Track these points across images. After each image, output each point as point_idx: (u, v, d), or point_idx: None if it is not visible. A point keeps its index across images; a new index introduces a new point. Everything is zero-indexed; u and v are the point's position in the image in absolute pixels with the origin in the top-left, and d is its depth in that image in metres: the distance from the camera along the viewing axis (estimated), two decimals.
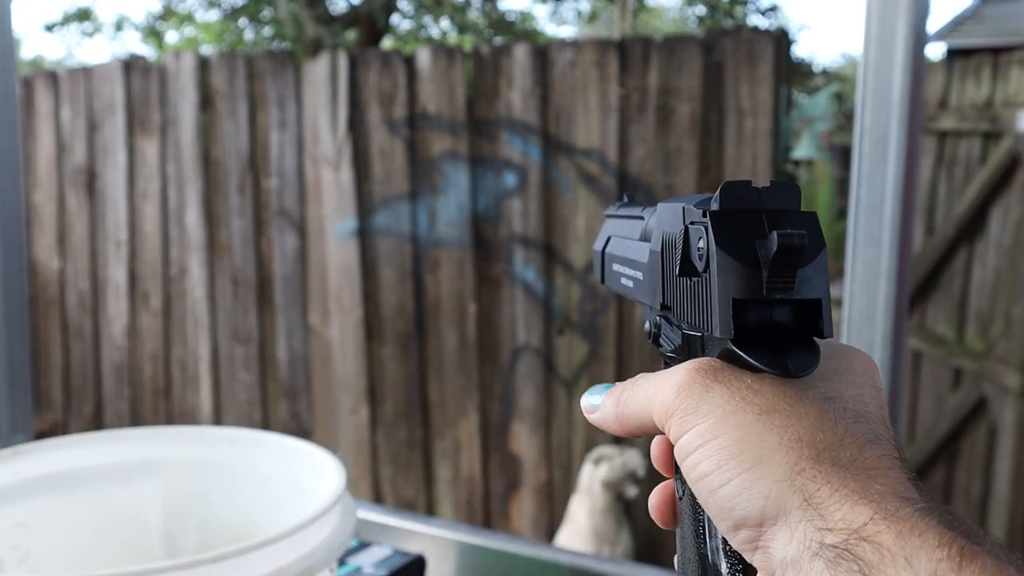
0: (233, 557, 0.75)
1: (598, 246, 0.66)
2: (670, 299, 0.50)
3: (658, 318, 0.52)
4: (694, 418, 0.42)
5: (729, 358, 0.44)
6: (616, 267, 0.62)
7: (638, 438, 0.51)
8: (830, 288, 0.45)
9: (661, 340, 0.52)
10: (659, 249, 0.52)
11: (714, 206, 0.44)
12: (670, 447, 0.45)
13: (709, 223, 0.44)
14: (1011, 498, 3.38)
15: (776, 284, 0.43)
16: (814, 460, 0.40)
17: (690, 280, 0.47)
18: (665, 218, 0.51)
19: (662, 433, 0.46)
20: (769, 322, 0.43)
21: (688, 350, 0.48)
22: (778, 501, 0.39)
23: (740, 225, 0.44)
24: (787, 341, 0.43)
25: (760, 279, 0.43)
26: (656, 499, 0.49)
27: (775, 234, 0.42)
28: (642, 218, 0.57)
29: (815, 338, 0.44)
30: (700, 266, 0.45)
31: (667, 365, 0.52)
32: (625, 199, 0.66)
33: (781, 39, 3.30)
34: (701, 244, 0.45)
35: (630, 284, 0.58)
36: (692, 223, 0.46)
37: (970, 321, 3.82)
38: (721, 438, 0.41)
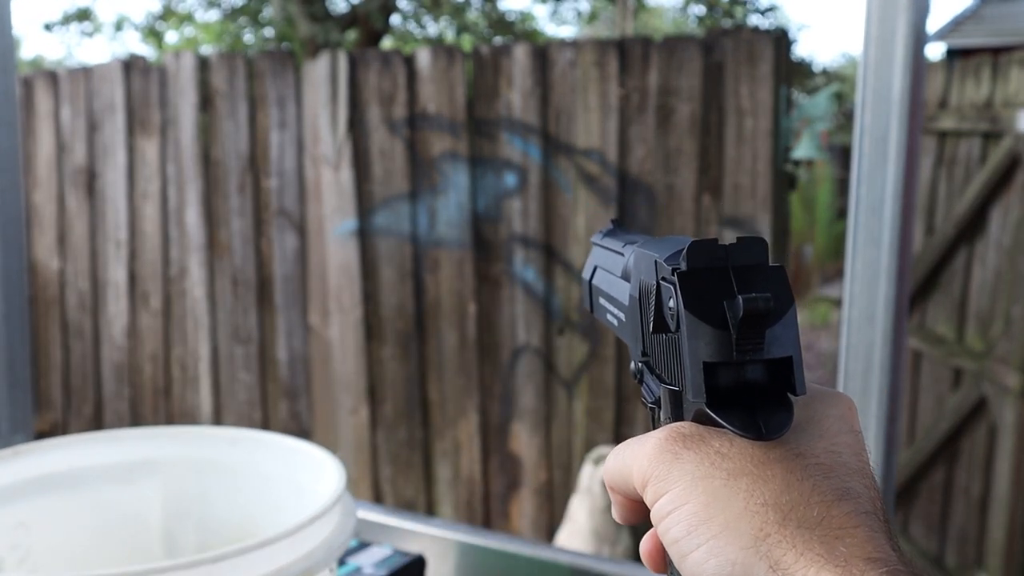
0: (233, 557, 0.75)
1: (586, 275, 0.66)
2: (648, 348, 0.51)
3: (640, 363, 0.52)
4: (665, 485, 0.44)
5: (703, 419, 0.45)
6: (603, 301, 0.62)
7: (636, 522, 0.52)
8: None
9: (643, 389, 0.53)
10: (637, 296, 0.52)
11: (682, 265, 0.45)
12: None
13: (677, 284, 0.44)
14: (1011, 498, 3.38)
15: (746, 346, 0.43)
16: (779, 524, 0.40)
17: (665, 337, 0.47)
18: (641, 265, 0.51)
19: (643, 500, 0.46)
20: (741, 383, 0.44)
21: (668, 405, 0.48)
22: (745, 568, 0.40)
23: (708, 285, 0.44)
24: (760, 401, 0.44)
25: (730, 340, 0.43)
26: (647, 546, 0.50)
27: (740, 299, 0.42)
28: (622, 255, 0.57)
29: (790, 394, 0.44)
30: (672, 325, 0.46)
31: (651, 414, 0.53)
32: (611, 225, 0.66)
33: (781, 39, 3.30)
34: (671, 304, 0.45)
35: (615, 322, 0.59)
36: (663, 279, 0.47)
37: (970, 321, 3.82)
38: (690, 504, 0.42)
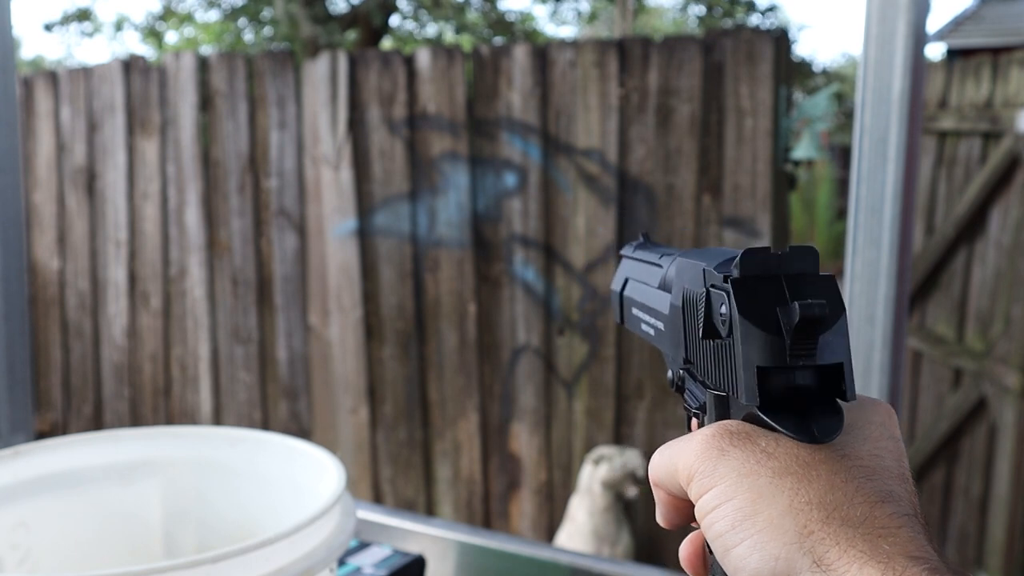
0: (233, 557, 0.75)
1: (616, 287, 0.67)
2: (692, 355, 0.51)
3: (681, 371, 0.53)
4: (711, 480, 0.44)
5: (754, 420, 0.46)
6: (636, 312, 0.63)
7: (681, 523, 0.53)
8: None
9: (686, 395, 0.53)
10: (680, 304, 0.53)
11: (735, 273, 0.46)
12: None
13: (731, 290, 0.45)
14: (1011, 498, 3.38)
15: (799, 352, 0.44)
16: (823, 522, 0.41)
17: (713, 343, 0.48)
18: (686, 275, 0.52)
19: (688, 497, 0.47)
20: (793, 387, 0.45)
21: (714, 410, 0.49)
22: (788, 563, 0.41)
23: (761, 292, 0.45)
24: (811, 405, 0.45)
25: (783, 346, 0.44)
26: (687, 550, 0.51)
27: (796, 305, 0.43)
28: (660, 266, 0.58)
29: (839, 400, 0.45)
30: (723, 331, 0.46)
31: (690, 419, 0.54)
32: (641, 239, 0.67)
33: (781, 39, 3.30)
34: (724, 310, 0.46)
35: (651, 332, 0.60)
36: (713, 286, 0.48)
37: (970, 321, 3.82)
38: (736, 499, 0.43)
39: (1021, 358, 3.35)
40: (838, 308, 0.45)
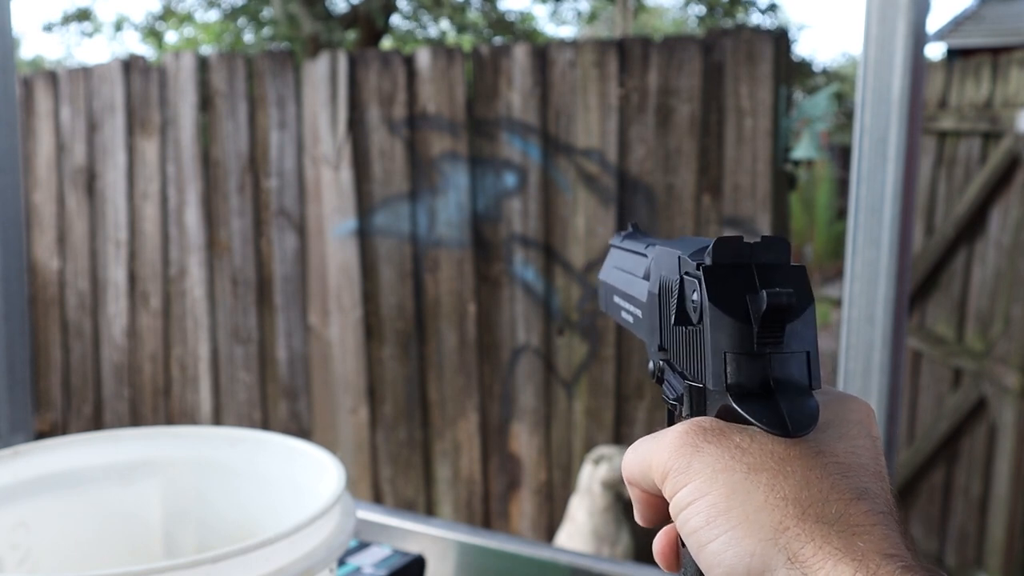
0: (233, 557, 0.75)
1: (603, 276, 0.68)
2: (667, 343, 0.52)
3: (661, 361, 0.53)
4: (685, 477, 0.44)
5: (728, 413, 0.46)
6: (617, 299, 0.64)
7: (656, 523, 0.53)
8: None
9: (664, 386, 0.53)
10: (656, 292, 0.53)
11: (707, 260, 0.46)
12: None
13: (702, 277, 0.46)
14: (1011, 498, 3.38)
15: (766, 339, 0.44)
16: (799, 518, 0.41)
17: (685, 330, 0.48)
18: (663, 263, 0.53)
19: (661, 493, 0.47)
20: (761, 375, 0.45)
21: (690, 401, 0.49)
22: (763, 559, 0.41)
23: (732, 280, 0.45)
24: (782, 395, 0.45)
25: (751, 333, 0.44)
26: (661, 543, 0.51)
27: (764, 293, 0.43)
28: (645, 256, 0.59)
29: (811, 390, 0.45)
30: (694, 318, 0.47)
31: (669, 412, 0.54)
32: (630, 228, 0.67)
33: (781, 39, 3.30)
34: (695, 297, 0.47)
35: (630, 319, 0.61)
36: (687, 274, 0.48)
37: (970, 321, 3.82)
38: (710, 496, 0.43)
39: (1021, 358, 3.35)
40: (806, 298, 0.46)
